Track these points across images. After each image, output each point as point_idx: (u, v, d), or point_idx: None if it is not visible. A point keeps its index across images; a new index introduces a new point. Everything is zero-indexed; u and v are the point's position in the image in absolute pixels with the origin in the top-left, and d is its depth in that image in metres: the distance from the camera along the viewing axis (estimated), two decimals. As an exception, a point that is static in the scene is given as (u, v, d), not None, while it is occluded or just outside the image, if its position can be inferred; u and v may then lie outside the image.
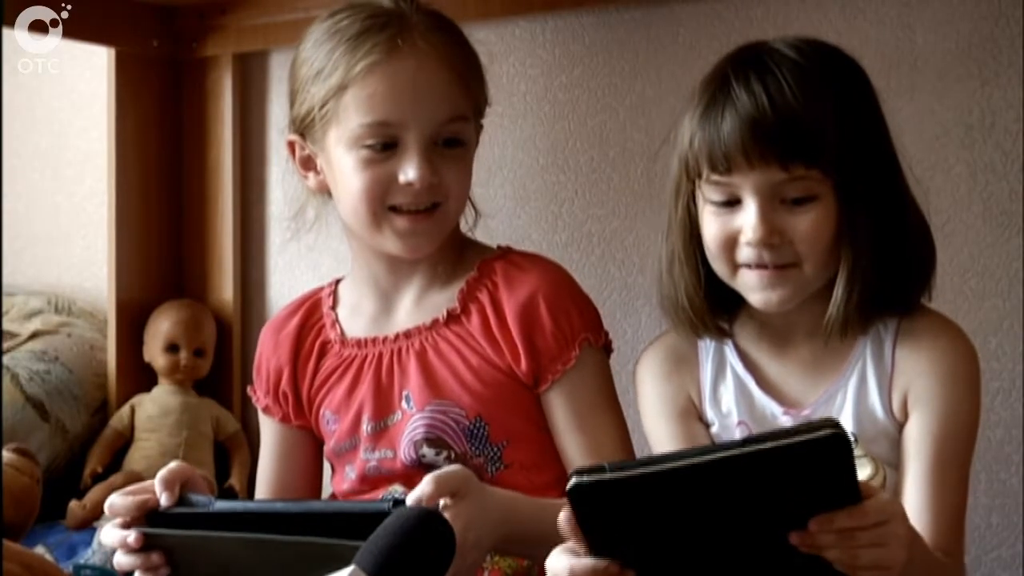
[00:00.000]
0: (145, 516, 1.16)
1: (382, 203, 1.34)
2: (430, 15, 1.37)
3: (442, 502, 1.14)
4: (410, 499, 1.12)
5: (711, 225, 1.21)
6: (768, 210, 1.17)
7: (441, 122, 1.34)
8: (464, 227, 1.46)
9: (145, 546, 1.14)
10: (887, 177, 1.21)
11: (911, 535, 1.01)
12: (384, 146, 1.33)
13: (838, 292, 1.19)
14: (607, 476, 0.90)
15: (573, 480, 0.90)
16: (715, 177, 1.18)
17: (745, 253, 1.19)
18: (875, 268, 1.19)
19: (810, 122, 1.15)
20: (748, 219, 1.18)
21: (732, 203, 1.19)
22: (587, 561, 0.95)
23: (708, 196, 1.20)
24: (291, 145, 1.42)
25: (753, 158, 1.15)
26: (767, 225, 1.17)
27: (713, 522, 0.92)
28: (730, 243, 1.20)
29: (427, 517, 0.98)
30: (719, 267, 1.22)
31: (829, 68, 1.20)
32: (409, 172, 1.32)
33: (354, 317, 1.45)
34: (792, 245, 1.18)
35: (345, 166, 1.35)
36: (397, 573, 0.93)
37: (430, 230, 1.36)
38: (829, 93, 1.17)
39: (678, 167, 1.23)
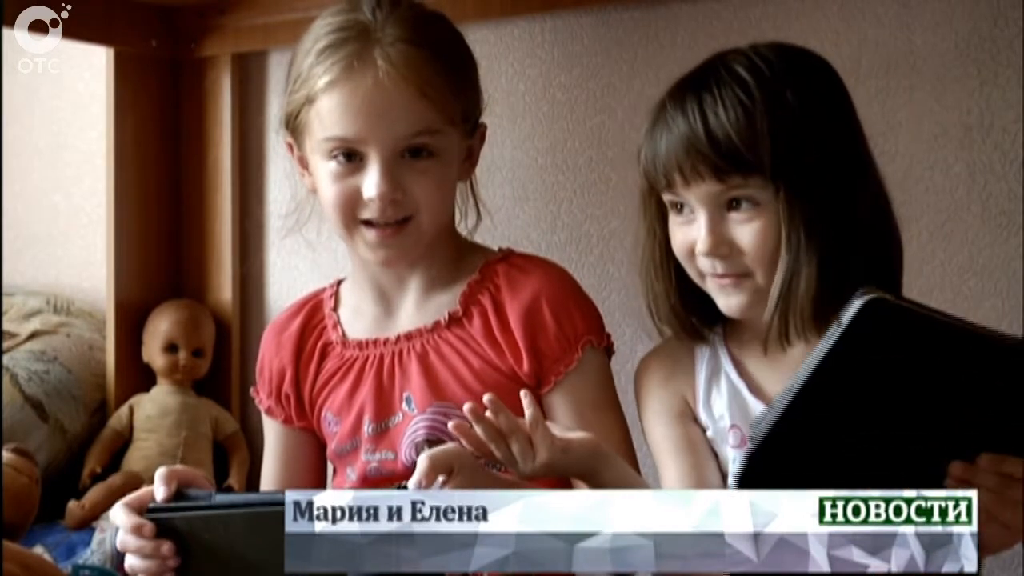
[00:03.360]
0: (145, 511, 1.16)
1: (353, 216, 1.34)
2: (402, 25, 1.33)
3: (439, 479, 1.14)
4: (412, 482, 1.12)
5: (675, 235, 1.25)
6: (716, 220, 1.20)
7: (402, 137, 1.31)
8: (464, 230, 1.46)
9: (156, 535, 1.13)
10: (840, 181, 1.19)
11: None
12: (348, 157, 1.32)
13: (770, 301, 1.19)
14: (905, 303, 0.88)
15: (874, 295, 0.88)
16: (665, 192, 1.22)
17: (702, 263, 1.22)
18: (819, 271, 1.17)
19: (743, 136, 1.16)
20: (699, 231, 1.21)
21: (690, 213, 1.22)
22: None
23: (669, 206, 1.24)
24: (290, 146, 1.43)
25: (687, 174, 1.19)
26: (715, 236, 1.20)
27: (928, 402, 0.92)
28: (691, 252, 1.23)
29: None
30: (691, 273, 1.25)
31: (781, 75, 1.19)
32: (370, 189, 1.32)
33: (356, 318, 1.45)
34: (742, 255, 1.20)
35: (322, 175, 1.35)
36: None
37: (400, 244, 1.35)
38: (772, 102, 1.17)
39: (642, 178, 1.26)
